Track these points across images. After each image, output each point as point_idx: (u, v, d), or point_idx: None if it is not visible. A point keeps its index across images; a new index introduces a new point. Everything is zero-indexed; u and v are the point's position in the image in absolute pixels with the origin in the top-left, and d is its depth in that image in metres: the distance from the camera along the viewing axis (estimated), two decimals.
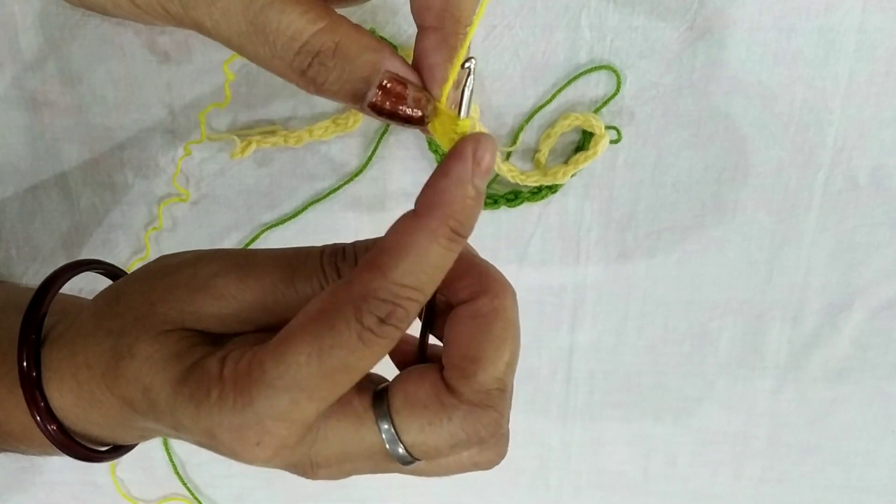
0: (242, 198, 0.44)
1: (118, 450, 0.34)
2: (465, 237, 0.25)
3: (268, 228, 0.45)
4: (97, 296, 0.31)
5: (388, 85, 0.26)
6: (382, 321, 0.25)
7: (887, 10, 0.40)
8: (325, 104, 0.42)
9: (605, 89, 0.42)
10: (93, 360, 0.29)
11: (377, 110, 0.27)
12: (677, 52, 0.41)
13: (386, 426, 0.28)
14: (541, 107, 0.42)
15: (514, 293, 0.29)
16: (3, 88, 0.41)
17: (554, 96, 0.42)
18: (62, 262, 0.45)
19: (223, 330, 0.29)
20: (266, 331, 0.29)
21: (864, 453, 0.51)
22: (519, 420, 0.50)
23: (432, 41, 0.27)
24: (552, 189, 0.43)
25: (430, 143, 0.42)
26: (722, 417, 0.50)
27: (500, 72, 0.41)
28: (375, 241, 0.28)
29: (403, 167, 0.43)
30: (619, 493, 0.53)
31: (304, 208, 0.44)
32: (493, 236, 0.45)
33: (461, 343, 0.28)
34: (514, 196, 0.43)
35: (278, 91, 0.41)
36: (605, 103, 0.42)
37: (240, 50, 0.27)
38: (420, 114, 0.27)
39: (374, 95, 0.26)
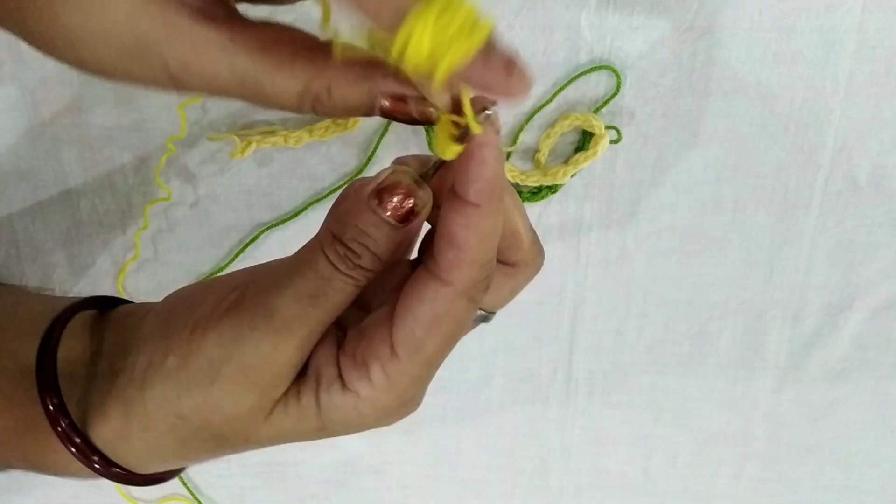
0: (242, 198, 0.44)
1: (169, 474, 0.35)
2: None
3: (268, 228, 0.45)
4: (145, 419, 0.31)
5: (389, 104, 0.27)
6: (487, 288, 0.28)
7: (887, 10, 0.40)
8: None
9: (605, 89, 0.42)
10: (198, 455, 0.31)
11: (388, 116, 0.28)
12: (677, 52, 0.41)
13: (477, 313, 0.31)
14: (541, 107, 0.42)
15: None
16: (3, 88, 0.41)
17: (554, 96, 0.42)
18: (62, 262, 0.45)
19: (298, 371, 0.30)
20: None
21: (864, 453, 0.51)
22: (519, 420, 0.50)
23: None
24: (552, 189, 0.43)
25: (430, 143, 0.42)
26: (722, 417, 0.50)
27: None
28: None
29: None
30: (619, 493, 0.53)
31: (304, 208, 0.44)
32: None
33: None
34: None
35: None
36: (605, 103, 0.42)
37: (246, 101, 0.28)
38: (426, 118, 0.28)
39: (379, 111, 0.27)
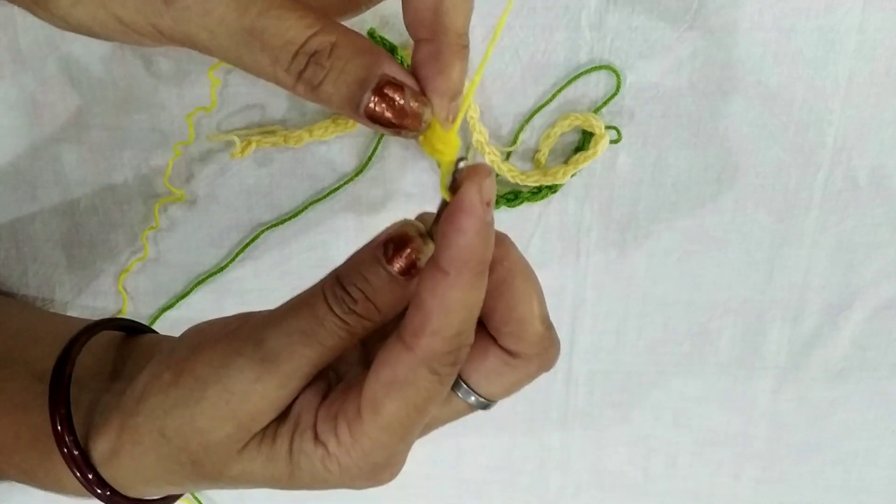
0: (242, 198, 0.44)
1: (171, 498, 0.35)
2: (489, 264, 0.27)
3: (268, 228, 0.45)
4: (135, 433, 0.31)
5: (385, 89, 0.26)
6: (453, 364, 0.27)
7: (887, 10, 0.40)
8: None
9: (605, 89, 0.42)
10: (177, 480, 0.31)
11: (373, 117, 0.26)
12: (677, 52, 0.41)
13: (472, 399, 0.30)
14: (541, 107, 0.42)
15: (511, 242, 0.30)
16: (3, 88, 0.41)
17: (554, 96, 0.42)
18: (62, 262, 0.45)
19: (281, 412, 0.30)
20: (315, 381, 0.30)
21: (864, 453, 0.51)
22: (519, 420, 0.50)
23: (426, 53, 0.27)
24: (552, 189, 0.43)
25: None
26: (722, 417, 0.50)
27: (500, 72, 0.41)
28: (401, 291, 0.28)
29: (403, 167, 0.43)
30: (620, 493, 0.53)
31: (304, 208, 0.44)
32: None
33: (499, 313, 0.29)
34: (514, 196, 0.44)
35: (277, 91, 0.41)
36: (605, 103, 0.42)
37: (237, 61, 0.27)
38: (417, 121, 0.26)
39: (369, 100, 0.26)
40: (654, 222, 0.45)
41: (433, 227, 0.28)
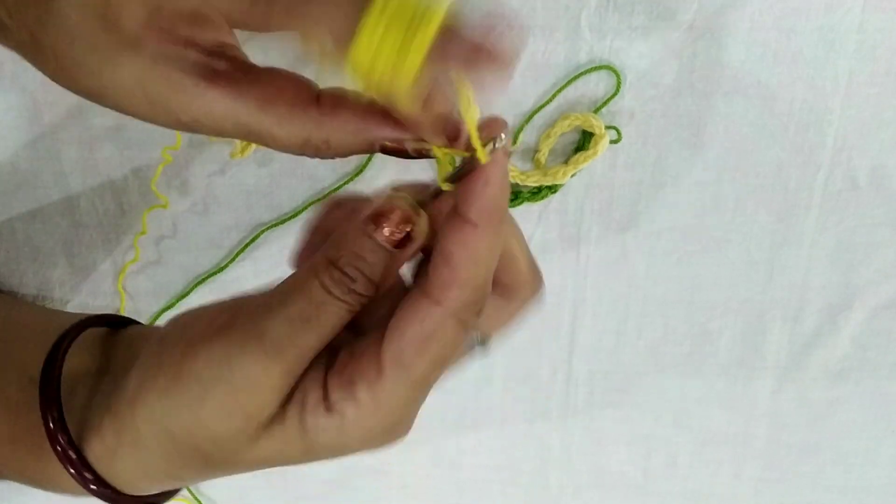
0: (242, 198, 0.44)
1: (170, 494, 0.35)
2: None
3: (268, 228, 0.45)
4: (136, 434, 0.30)
5: (387, 151, 0.28)
6: (478, 313, 0.28)
7: (887, 10, 0.40)
8: None
9: (605, 89, 0.42)
10: (182, 474, 0.31)
11: (388, 154, 0.29)
12: (677, 52, 0.41)
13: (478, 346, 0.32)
14: (541, 107, 0.42)
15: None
16: (3, 88, 0.41)
17: (554, 96, 0.42)
18: (62, 262, 0.45)
19: (286, 395, 0.30)
20: None
21: (864, 453, 0.51)
22: (519, 420, 0.50)
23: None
24: (552, 189, 0.43)
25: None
26: (722, 417, 0.50)
27: None
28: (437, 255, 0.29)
29: (404, 167, 0.43)
30: (620, 493, 0.53)
31: (304, 208, 0.44)
32: None
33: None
34: (514, 196, 0.44)
35: None
36: (605, 103, 0.42)
37: (256, 143, 0.30)
38: (426, 154, 0.29)
39: (379, 149, 0.29)
40: (654, 222, 0.45)
41: (425, 198, 0.29)
